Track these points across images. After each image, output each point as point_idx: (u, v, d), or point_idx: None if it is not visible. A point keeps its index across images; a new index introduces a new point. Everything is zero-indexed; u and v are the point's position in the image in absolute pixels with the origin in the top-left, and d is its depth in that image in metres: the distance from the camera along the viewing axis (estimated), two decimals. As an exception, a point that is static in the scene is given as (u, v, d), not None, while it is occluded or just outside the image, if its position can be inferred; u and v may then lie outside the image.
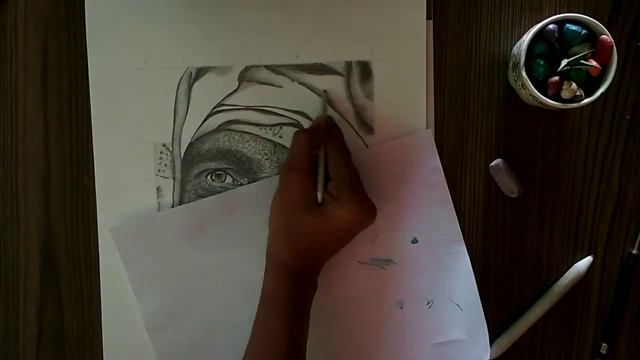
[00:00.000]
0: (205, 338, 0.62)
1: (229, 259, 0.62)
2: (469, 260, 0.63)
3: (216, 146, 0.62)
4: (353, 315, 0.63)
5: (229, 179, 0.63)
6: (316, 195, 0.56)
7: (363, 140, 0.63)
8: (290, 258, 0.57)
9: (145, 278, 0.61)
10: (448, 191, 0.63)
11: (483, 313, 0.63)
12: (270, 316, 0.56)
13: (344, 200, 0.56)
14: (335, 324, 0.63)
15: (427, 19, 0.62)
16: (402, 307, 0.63)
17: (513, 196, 0.63)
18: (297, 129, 0.62)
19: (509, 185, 0.63)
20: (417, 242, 0.63)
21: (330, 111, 0.62)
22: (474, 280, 0.63)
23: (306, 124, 0.62)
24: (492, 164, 0.63)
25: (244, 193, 0.62)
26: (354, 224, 0.57)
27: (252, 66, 0.62)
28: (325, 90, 0.62)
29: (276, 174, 0.62)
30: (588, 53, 0.57)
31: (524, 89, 0.59)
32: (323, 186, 0.57)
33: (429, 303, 0.63)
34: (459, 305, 0.63)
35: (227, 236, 0.62)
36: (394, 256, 0.63)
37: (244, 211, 0.62)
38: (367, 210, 0.57)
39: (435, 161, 0.63)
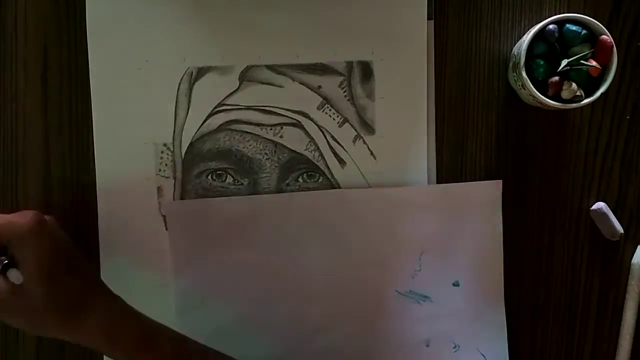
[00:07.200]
0: (228, 328, 0.62)
1: (272, 259, 0.62)
2: (505, 316, 0.63)
3: (217, 146, 0.62)
4: (378, 342, 0.63)
5: (229, 179, 0.62)
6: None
7: (364, 141, 0.63)
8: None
9: (187, 257, 0.61)
10: (502, 245, 0.63)
11: None
12: None
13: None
14: (358, 344, 0.62)
15: (427, 19, 0.62)
16: (428, 346, 0.63)
17: (614, 240, 0.63)
18: None
19: (611, 229, 0.63)
20: (458, 285, 0.63)
21: (328, 112, 0.62)
22: (506, 336, 0.63)
23: (307, 123, 0.62)
24: (594, 207, 0.63)
25: (301, 200, 0.62)
26: None
27: (252, 66, 0.62)
28: None
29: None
30: (588, 53, 0.58)
31: (524, 89, 0.59)
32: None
33: (455, 347, 0.63)
34: (484, 356, 0.63)
35: (276, 236, 0.62)
36: (433, 294, 0.63)
37: (299, 217, 0.62)
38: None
39: (498, 213, 0.63)
